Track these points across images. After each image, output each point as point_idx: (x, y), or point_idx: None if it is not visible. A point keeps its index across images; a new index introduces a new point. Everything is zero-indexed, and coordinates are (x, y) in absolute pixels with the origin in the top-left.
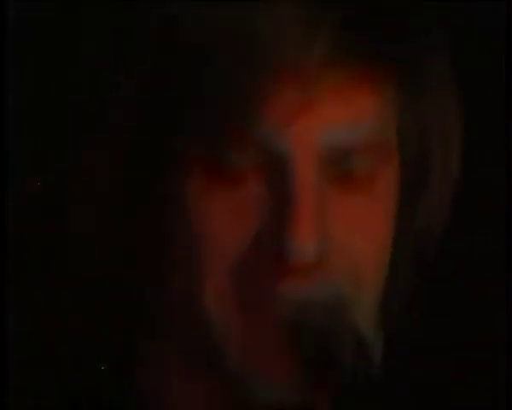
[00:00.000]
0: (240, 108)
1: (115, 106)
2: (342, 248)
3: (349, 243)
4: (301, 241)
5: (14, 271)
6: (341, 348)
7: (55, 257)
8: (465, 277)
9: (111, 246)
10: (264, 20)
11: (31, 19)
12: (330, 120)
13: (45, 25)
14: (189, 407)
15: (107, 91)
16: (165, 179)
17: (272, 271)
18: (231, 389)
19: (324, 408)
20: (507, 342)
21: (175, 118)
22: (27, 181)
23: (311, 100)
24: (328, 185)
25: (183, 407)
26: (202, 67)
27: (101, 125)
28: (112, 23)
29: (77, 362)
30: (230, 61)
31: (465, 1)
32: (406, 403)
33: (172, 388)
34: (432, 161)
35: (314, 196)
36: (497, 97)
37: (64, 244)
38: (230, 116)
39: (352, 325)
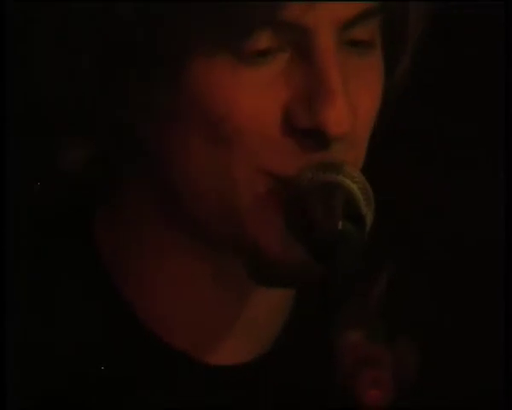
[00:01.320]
0: None
1: None
2: (355, 110)
3: (358, 103)
4: (337, 110)
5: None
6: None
7: None
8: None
9: None
10: None
11: (31, 19)
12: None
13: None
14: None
15: None
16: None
17: (303, 143)
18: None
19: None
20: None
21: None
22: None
23: None
24: (342, 51)
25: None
26: None
27: None
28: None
29: None
30: None
31: (465, 1)
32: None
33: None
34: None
35: (337, 62)
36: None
37: None
38: None
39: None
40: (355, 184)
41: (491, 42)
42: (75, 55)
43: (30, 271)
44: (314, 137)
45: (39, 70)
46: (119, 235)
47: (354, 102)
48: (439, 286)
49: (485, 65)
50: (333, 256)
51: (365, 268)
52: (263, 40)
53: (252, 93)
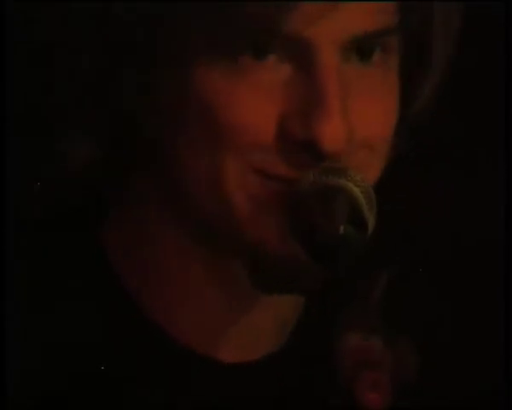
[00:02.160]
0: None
1: None
2: (359, 123)
3: (363, 119)
4: (333, 127)
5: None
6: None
7: None
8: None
9: None
10: None
11: (31, 19)
12: (350, 9)
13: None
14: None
15: None
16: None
17: (297, 157)
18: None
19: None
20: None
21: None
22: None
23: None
24: (346, 68)
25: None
26: None
27: None
28: None
29: None
30: None
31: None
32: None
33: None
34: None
35: (338, 79)
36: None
37: None
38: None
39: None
40: (358, 187)
41: (491, 42)
42: (75, 54)
43: (31, 269)
44: (309, 150)
45: (39, 70)
46: (125, 234)
47: (361, 119)
48: (439, 286)
49: (485, 65)
50: (334, 260)
51: (365, 270)
52: (263, 51)
53: (249, 101)
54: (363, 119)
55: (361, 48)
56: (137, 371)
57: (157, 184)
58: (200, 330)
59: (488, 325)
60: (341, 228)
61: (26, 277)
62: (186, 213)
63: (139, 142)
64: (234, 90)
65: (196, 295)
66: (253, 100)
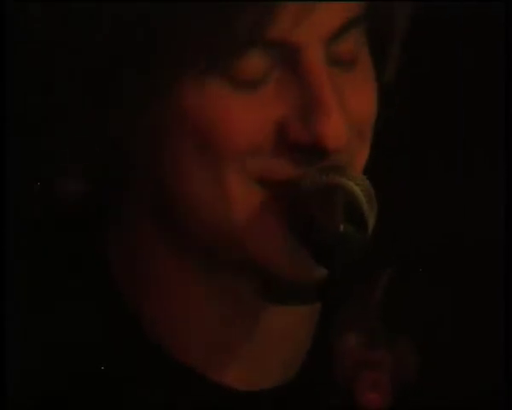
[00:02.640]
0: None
1: None
2: (349, 117)
3: (353, 111)
4: (334, 125)
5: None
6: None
7: None
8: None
9: None
10: None
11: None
12: (326, 7)
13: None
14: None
15: None
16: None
17: (298, 158)
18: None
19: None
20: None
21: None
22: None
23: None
24: (330, 68)
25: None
26: None
27: None
28: None
29: None
30: None
31: (465, 1)
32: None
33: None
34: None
35: (329, 75)
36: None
37: None
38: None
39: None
40: (358, 186)
41: (491, 42)
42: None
43: (30, 271)
44: (311, 151)
45: (39, 70)
46: (124, 245)
47: (351, 109)
48: (439, 286)
49: (486, 65)
50: (334, 258)
51: (365, 269)
52: (252, 60)
53: (243, 113)
54: (352, 108)
55: (337, 51)
56: (137, 372)
57: (150, 199)
58: (200, 347)
59: (488, 325)
60: (341, 226)
61: (26, 277)
62: (178, 228)
63: (128, 156)
64: (228, 100)
65: (196, 312)
66: (248, 113)
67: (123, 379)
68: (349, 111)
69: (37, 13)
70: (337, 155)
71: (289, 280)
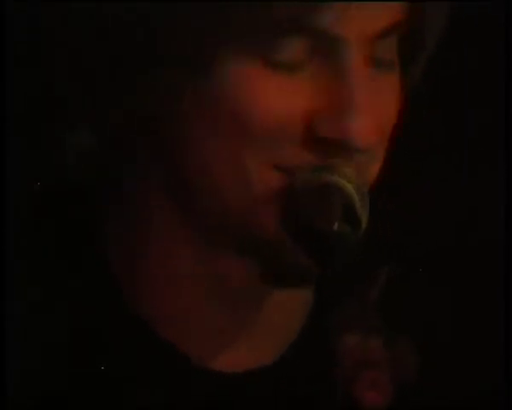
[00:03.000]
0: None
1: None
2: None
3: (381, 113)
4: (366, 125)
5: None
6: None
7: None
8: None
9: None
10: None
11: (31, 19)
12: (371, 7)
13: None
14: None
15: None
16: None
17: (325, 151)
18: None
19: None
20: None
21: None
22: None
23: None
24: (369, 67)
25: None
26: None
27: None
28: None
29: None
30: None
31: (466, 1)
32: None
33: None
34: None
35: (367, 79)
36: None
37: None
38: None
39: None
40: (350, 184)
41: (491, 42)
42: (75, 54)
43: (30, 271)
44: (336, 146)
45: (39, 70)
46: (127, 232)
47: (380, 111)
48: (439, 286)
49: (486, 65)
50: (329, 256)
51: (364, 269)
52: (292, 45)
53: (278, 96)
54: (381, 110)
55: (376, 52)
56: (137, 372)
57: (166, 178)
58: (201, 340)
59: (488, 325)
60: (335, 225)
61: (26, 277)
62: (194, 207)
63: (151, 133)
64: (261, 88)
65: (197, 297)
66: (283, 91)
67: (123, 379)
68: (378, 113)
69: (37, 13)
70: (360, 154)
71: (291, 262)
